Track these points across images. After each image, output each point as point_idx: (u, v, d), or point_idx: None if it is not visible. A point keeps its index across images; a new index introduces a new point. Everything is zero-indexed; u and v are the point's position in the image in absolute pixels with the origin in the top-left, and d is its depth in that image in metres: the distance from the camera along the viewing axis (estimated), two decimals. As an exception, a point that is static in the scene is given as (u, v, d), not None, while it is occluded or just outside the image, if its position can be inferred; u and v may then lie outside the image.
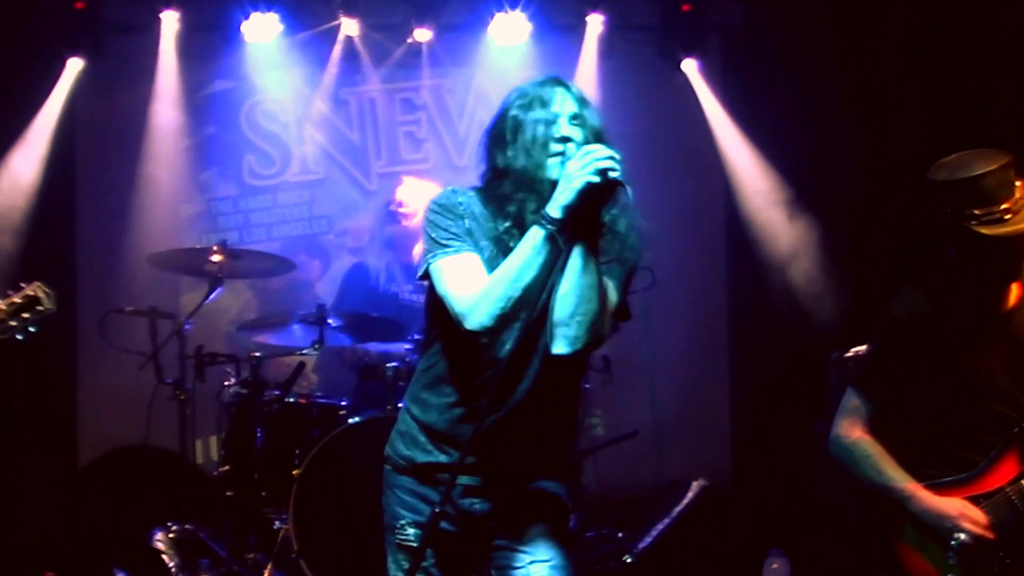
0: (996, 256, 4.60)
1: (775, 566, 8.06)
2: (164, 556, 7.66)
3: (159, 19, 9.66)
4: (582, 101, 4.05)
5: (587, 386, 8.04)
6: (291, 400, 7.76)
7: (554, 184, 3.86)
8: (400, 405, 7.32)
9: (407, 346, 7.86)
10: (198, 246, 8.90)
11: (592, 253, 3.83)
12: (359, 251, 9.87)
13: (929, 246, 4.97)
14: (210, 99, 10.05)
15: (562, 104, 4.02)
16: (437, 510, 3.85)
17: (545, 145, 3.95)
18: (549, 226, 3.78)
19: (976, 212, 4.50)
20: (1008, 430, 4.74)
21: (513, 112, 4.06)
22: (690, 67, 9.90)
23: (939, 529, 4.66)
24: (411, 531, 4.08)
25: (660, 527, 8.22)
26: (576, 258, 3.81)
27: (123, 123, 9.84)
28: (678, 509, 8.33)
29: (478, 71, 10.06)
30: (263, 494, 7.55)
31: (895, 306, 4.89)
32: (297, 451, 7.47)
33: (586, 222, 3.81)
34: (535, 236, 3.80)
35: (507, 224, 3.98)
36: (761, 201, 9.81)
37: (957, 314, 4.77)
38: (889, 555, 4.85)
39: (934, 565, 4.68)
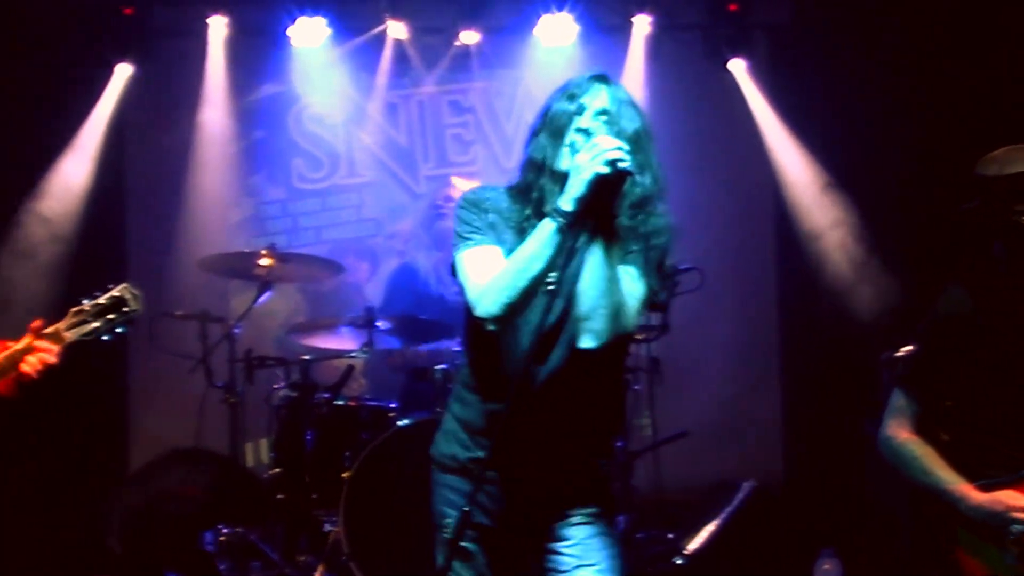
0: (1044, 252, 4.56)
1: (827, 567, 8.00)
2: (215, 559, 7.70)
3: (207, 24, 9.74)
4: (621, 101, 4.01)
5: (636, 387, 8.02)
6: (341, 403, 7.75)
7: (568, 174, 3.85)
8: (448, 405, 7.37)
9: (456, 348, 7.86)
10: (247, 250, 8.93)
11: (608, 245, 3.82)
12: (407, 253, 9.88)
13: (976, 243, 4.93)
14: (258, 103, 10.11)
15: (593, 98, 4.00)
16: (466, 509, 3.83)
17: (562, 135, 3.96)
18: (559, 218, 3.76)
19: None
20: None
21: (549, 102, 4.07)
22: (737, 67, 9.89)
23: (993, 524, 4.61)
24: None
25: (711, 528, 8.18)
26: (593, 252, 3.79)
27: (172, 128, 9.90)
28: (729, 510, 8.28)
29: (525, 72, 10.06)
30: (313, 496, 7.55)
31: (940, 304, 4.86)
32: (347, 454, 7.47)
33: (599, 214, 3.80)
34: (546, 228, 3.79)
35: (527, 212, 4.00)
36: (810, 200, 9.77)
37: (1003, 311, 4.72)
38: (945, 562, 4.80)
39: (992, 568, 4.64)
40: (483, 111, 10.18)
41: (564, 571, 4.08)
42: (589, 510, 4.11)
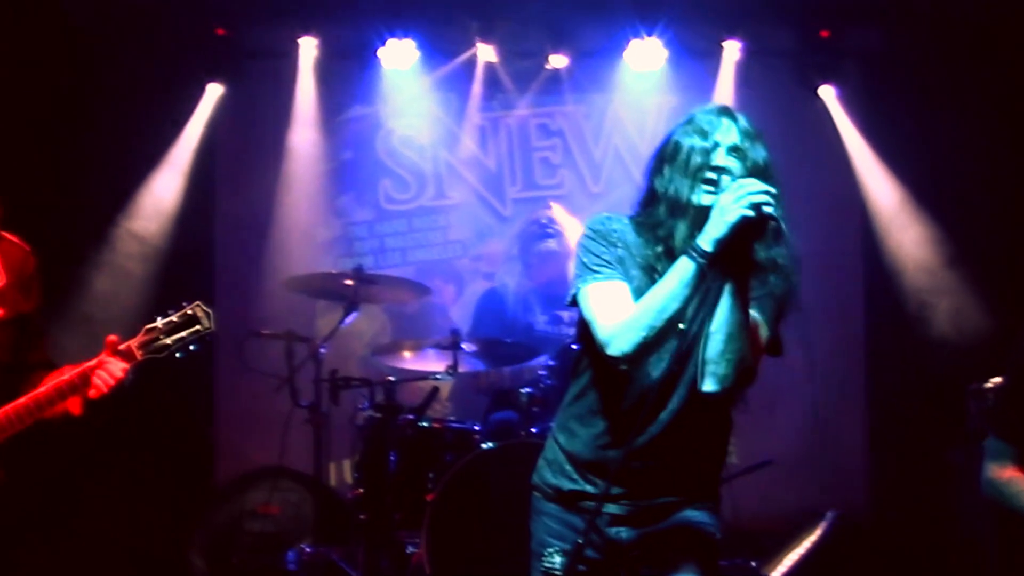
0: None
1: (912, 598, 7.94)
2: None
3: (297, 45, 9.81)
4: (748, 134, 3.98)
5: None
6: (425, 424, 7.76)
7: (703, 212, 3.82)
8: (533, 431, 7.37)
9: (541, 371, 7.84)
10: (334, 271, 8.96)
11: (741, 290, 3.80)
12: (493, 276, 9.89)
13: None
14: (347, 124, 10.16)
15: (725, 135, 3.96)
16: (581, 540, 3.85)
17: (698, 173, 3.91)
18: (700, 259, 3.74)
19: None
20: None
21: (676, 138, 4.02)
22: (828, 94, 9.82)
23: None
24: (557, 559, 4.06)
25: (794, 558, 8.11)
26: (726, 296, 3.76)
27: (261, 148, 9.98)
28: (813, 540, 8.21)
29: (614, 97, 10.05)
30: (396, 518, 7.56)
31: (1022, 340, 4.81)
32: (430, 475, 7.48)
33: (737, 257, 3.77)
34: (684, 268, 3.76)
35: (658, 249, 3.95)
36: (899, 228, 9.69)
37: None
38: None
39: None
40: (571, 135, 10.18)
41: None
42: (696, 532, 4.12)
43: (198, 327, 5.02)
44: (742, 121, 4.01)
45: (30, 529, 8.38)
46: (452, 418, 8.61)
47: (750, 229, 3.71)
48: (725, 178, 3.88)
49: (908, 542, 8.99)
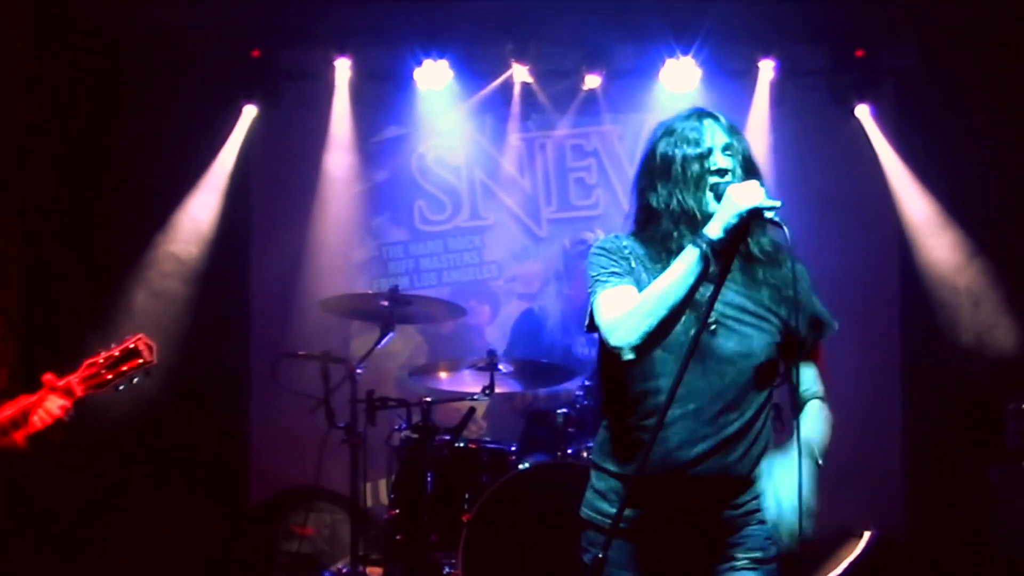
0: None
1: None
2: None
3: (333, 67, 9.84)
4: (731, 130, 4.03)
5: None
6: (461, 445, 7.75)
7: (711, 218, 3.83)
8: (569, 451, 7.36)
9: (578, 392, 7.83)
10: (369, 292, 8.99)
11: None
12: (529, 297, 9.89)
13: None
14: (382, 145, 10.18)
15: (713, 136, 3.99)
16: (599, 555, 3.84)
17: (700, 181, 3.94)
18: (706, 247, 3.74)
19: None
20: None
21: (662, 150, 4.03)
22: (863, 113, 9.79)
23: None
24: None
25: (832, 576, 8.10)
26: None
27: (296, 169, 10.02)
28: (850, 559, 8.19)
29: (649, 117, 10.00)
30: (432, 538, 7.54)
31: None
32: (466, 496, 7.48)
33: (733, 250, 3.81)
34: (690, 255, 3.77)
35: (670, 261, 3.89)
36: (936, 246, 9.65)
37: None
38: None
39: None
40: (606, 155, 10.17)
41: None
42: (753, 555, 4.06)
43: (140, 360, 5.06)
44: (721, 118, 4.06)
45: (64, 547, 8.44)
46: (488, 438, 8.61)
47: (751, 222, 3.74)
48: (727, 177, 3.93)
49: (945, 562, 8.95)
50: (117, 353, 5.04)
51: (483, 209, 10.17)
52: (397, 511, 7.75)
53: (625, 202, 9.89)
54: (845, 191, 9.70)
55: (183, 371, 9.01)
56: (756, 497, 4.03)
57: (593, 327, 3.99)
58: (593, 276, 4.01)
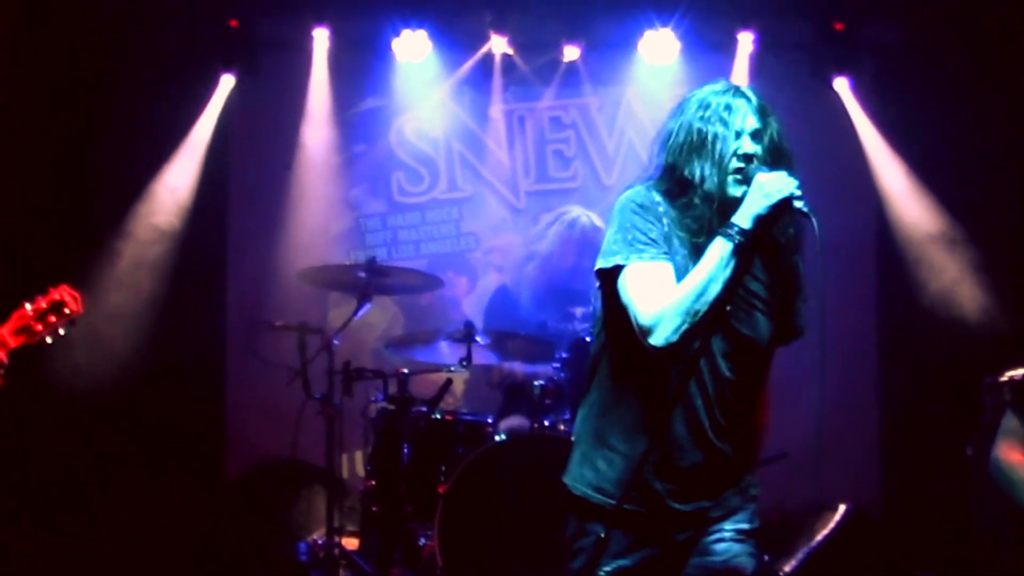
0: None
1: (925, 591, 7.92)
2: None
3: (311, 37, 9.79)
4: (763, 111, 3.99)
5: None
6: (437, 417, 7.75)
7: (734, 202, 3.84)
8: (546, 423, 7.38)
9: (554, 364, 7.84)
10: (347, 262, 8.97)
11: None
12: (506, 269, 9.87)
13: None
14: (360, 116, 10.14)
15: (744, 120, 3.95)
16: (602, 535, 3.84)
17: (727, 163, 3.91)
18: (738, 236, 3.74)
19: None
20: None
21: (697, 124, 3.97)
22: (842, 86, 9.78)
23: None
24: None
25: (806, 550, 8.10)
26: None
27: (274, 139, 9.98)
28: (825, 532, 8.20)
29: (628, 90, 10.03)
30: (408, 510, 7.55)
31: None
32: (443, 467, 7.48)
33: (763, 238, 3.82)
34: (722, 248, 3.76)
35: (702, 236, 3.88)
36: (913, 219, 9.67)
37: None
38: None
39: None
40: (584, 127, 10.15)
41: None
42: (740, 527, 4.08)
43: (67, 311, 5.18)
44: (754, 98, 4.02)
45: (40, 521, 8.42)
46: (465, 410, 8.61)
47: (782, 212, 3.76)
48: (752, 166, 3.89)
49: (921, 536, 8.98)
50: (44, 305, 5.16)
51: (461, 181, 10.15)
52: (373, 483, 7.76)
53: (603, 174, 9.96)
54: (823, 163, 9.67)
55: (160, 340, 9.02)
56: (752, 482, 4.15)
57: (604, 277, 3.97)
58: (626, 236, 3.91)
